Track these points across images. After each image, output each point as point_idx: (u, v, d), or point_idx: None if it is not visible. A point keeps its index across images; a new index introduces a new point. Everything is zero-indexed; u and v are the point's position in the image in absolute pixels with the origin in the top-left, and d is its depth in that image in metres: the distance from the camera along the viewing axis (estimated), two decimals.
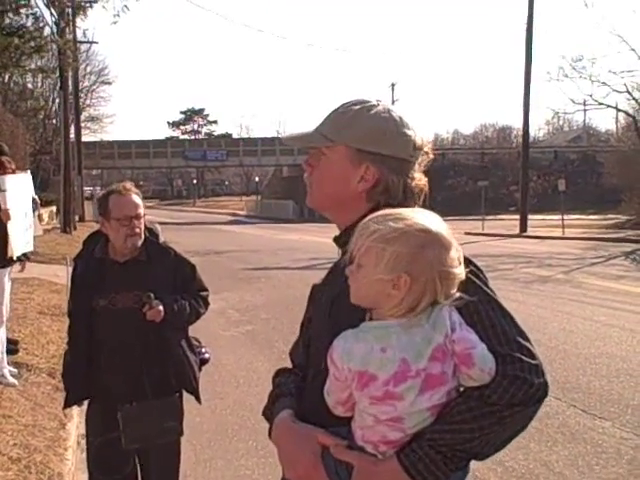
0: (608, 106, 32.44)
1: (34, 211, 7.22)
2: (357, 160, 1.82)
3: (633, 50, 29.69)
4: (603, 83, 30.44)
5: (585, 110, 40.83)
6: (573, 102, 33.10)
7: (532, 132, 44.31)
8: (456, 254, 1.57)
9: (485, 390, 1.55)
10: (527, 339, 1.63)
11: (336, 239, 1.92)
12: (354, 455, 1.62)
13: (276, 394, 1.92)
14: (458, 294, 1.56)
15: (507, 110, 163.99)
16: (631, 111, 32.65)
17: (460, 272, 1.56)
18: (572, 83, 39.01)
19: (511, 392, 1.54)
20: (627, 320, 9.96)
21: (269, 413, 1.90)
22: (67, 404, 3.71)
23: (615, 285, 13.89)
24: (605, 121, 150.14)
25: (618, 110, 34.84)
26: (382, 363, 1.52)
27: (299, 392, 1.88)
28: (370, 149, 1.80)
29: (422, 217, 1.58)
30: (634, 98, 30.99)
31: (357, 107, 1.83)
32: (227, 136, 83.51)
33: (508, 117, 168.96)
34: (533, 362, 1.59)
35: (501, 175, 52.01)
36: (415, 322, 1.54)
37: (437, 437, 1.54)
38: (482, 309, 1.62)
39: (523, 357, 1.58)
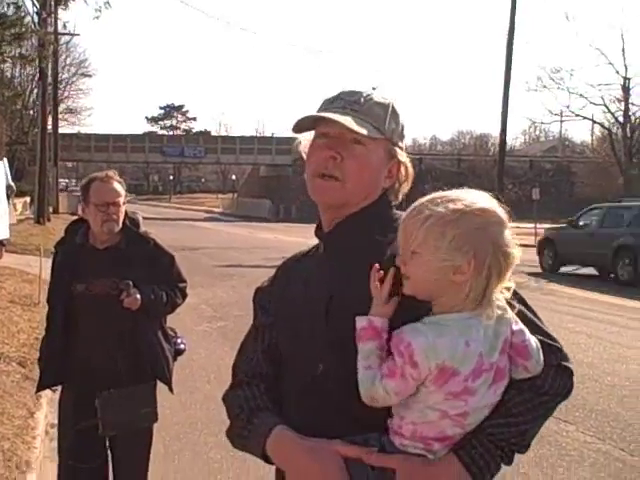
0: (584, 118, 32.95)
1: (9, 198, 7.17)
2: (391, 155, 1.75)
3: (611, 64, 30.16)
4: (580, 95, 30.86)
5: (561, 121, 41.21)
6: (550, 113, 33.47)
7: (509, 141, 44.73)
8: (510, 233, 1.53)
9: (536, 381, 1.55)
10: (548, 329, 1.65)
11: (319, 232, 1.80)
12: (397, 459, 1.52)
13: (250, 409, 1.74)
14: (512, 283, 1.54)
15: (484, 118, 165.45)
16: (607, 124, 33.14)
17: (517, 252, 1.52)
18: (550, 94, 39.40)
19: (558, 381, 1.58)
20: (594, 327, 10.11)
21: (244, 432, 1.72)
22: (40, 387, 3.72)
23: (583, 293, 14.09)
24: (580, 132, 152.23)
25: (594, 122, 35.39)
26: (465, 358, 1.46)
27: (276, 405, 1.74)
28: (400, 144, 1.77)
29: (477, 197, 1.53)
30: (610, 111, 31.45)
31: (389, 101, 1.76)
32: (206, 133, 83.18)
33: (485, 125, 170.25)
34: (565, 352, 1.63)
35: (477, 182, 51.76)
36: (487, 314, 1.49)
37: (496, 432, 1.52)
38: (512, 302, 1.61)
39: (560, 346, 1.62)
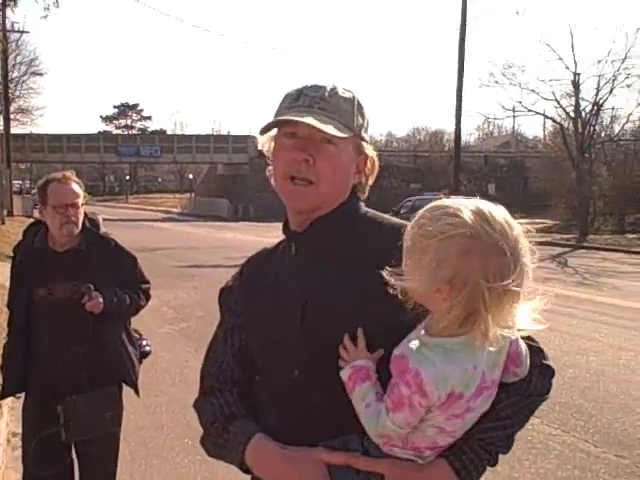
0: (537, 113, 33.20)
1: None
2: (359, 150, 1.70)
3: (560, 59, 30.50)
4: (532, 90, 31.16)
5: (514, 116, 41.64)
6: (503, 108, 33.81)
7: (463, 137, 44.94)
8: (512, 265, 1.37)
9: (522, 383, 1.54)
10: None
11: (287, 232, 1.75)
12: (386, 463, 1.49)
13: (225, 417, 1.68)
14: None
15: (439, 114, 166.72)
16: (558, 118, 33.54)
17: (511, 296, 1.38)
18: (502, 89, 39.69)
19: (543, 382, 1.59)
20: (554, 321, 10.23)
21: (220, 441, 1.66)
22: (3, 395, 3.63)
23: (542, 287, 14.26)
24: (533, 128, 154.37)
25: (546, 117, 35.70)
26: (471, 380, 1.42)
27: (251, 411, 1.69)
28: (367, 138, 1.73)
29: (475, 215, 1.38)
30: (561, 106, 31.84)
31: (355, 95, 1.71)
32: (161, 132, 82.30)
33: (440, 121, 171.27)
34: (545, 351, 1.63)
35: (433, 179, 52.77)
36: (487, 340, 1.41)
37: (486, 436, 1.51)
38: None
39: (540, 345, 1.61)
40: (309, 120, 1.58)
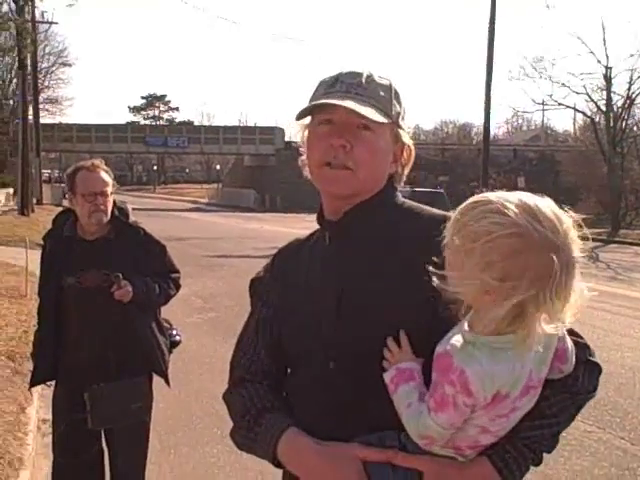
0: (567, 107, 32.86)
1: None
2: (396, 138, 1.65)
3: (592, 53, 30.07)
4: (563, 84, 30.78)
5: (544, 110, 41.18)
6: (533, 102, 33.42)
7: (492, 130, 44.57)
8: (563, 261, 1.28)
9: (568, 380, 1.47)
10: None
11: (322, 221, 1.70)
12: (425, 460, 1.43)
13: (257, 410, 1.63)
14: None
15: (467, 107, 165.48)
16: (589, 112, 33.12)
17: (560, 303, 1.30)
18: (532, 83, 39.13)
19: (590, 379, 1.52)
20: (588, 315, 10.08)
21: (251, 435, 1.62)
22: (33, 382, 3.63)
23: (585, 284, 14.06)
24: (562, 121, 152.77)
25: (577, 111, 35.29)
26: (518, 380, 1.35)
27: (283, 404, 1.65)
28: (403, 126, 1.67)
29: (522, 211, 1.30)
30: (592, 100, 31.41)
31: (392, 82, 1.66)
32: (189, 123, 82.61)
33: (468, 114, 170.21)
34: (592, 347, 1.55)
35: (461, 171, 52.45)
36: (536, 339, 1.35)
37: (530, 434, 1.45)
38: None
39: (587, 342, 1.54)
40: (348, 104, 1.54)
